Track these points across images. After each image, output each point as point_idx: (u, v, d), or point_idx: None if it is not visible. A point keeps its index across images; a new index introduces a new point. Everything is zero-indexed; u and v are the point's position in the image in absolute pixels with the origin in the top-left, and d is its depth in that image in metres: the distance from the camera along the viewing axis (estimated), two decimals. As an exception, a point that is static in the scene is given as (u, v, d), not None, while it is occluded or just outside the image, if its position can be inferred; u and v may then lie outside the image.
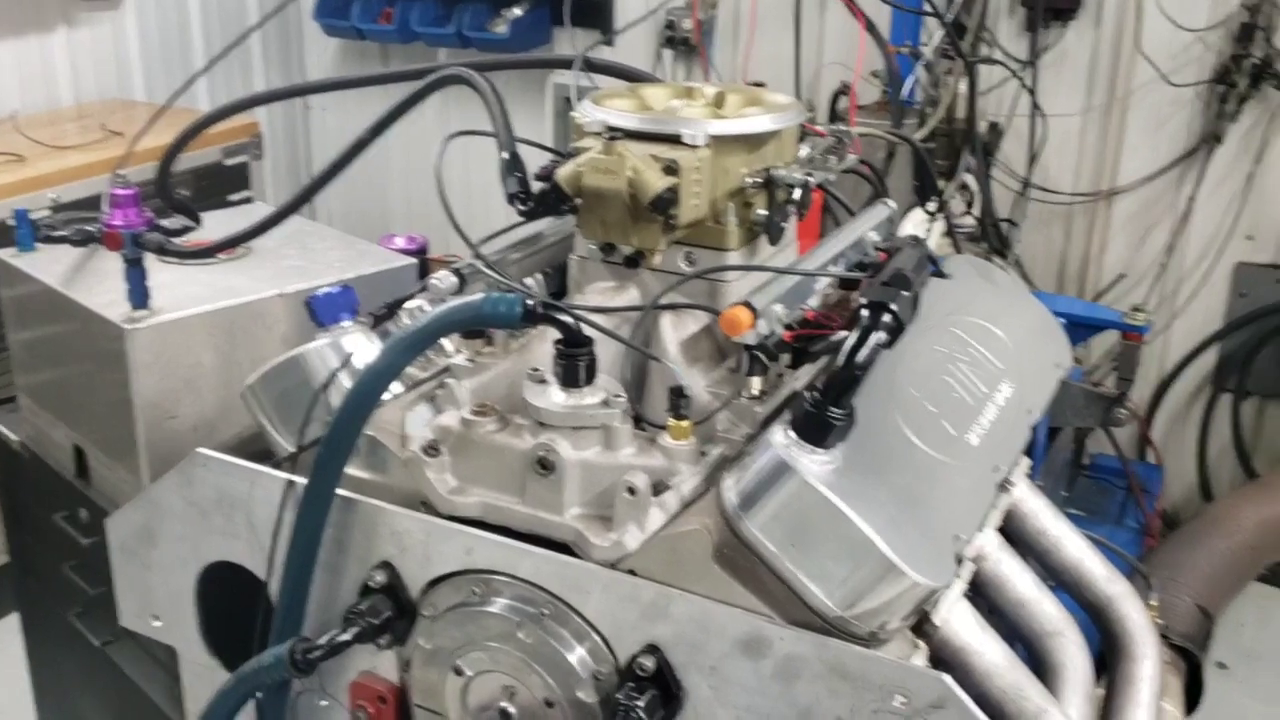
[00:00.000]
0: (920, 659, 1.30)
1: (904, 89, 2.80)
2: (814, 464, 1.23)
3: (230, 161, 4.13)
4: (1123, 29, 3.70)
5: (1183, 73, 3.65)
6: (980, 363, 1.62)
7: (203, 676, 1.70)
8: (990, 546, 1.51)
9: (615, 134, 1.48)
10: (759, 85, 1.78)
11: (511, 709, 1.40)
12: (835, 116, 3.22)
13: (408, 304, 1.62)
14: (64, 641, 2.42)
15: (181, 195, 2.44)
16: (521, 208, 1.52)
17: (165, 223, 2.08)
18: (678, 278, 1.54)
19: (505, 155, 1.54)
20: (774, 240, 1.61)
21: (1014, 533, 1.65)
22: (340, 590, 1.49)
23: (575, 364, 1.35)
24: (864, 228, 1.77)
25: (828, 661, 1.21)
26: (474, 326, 1.50)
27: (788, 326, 1.44)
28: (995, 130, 3.63)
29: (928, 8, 3.01)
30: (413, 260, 2.29)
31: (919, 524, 1.30)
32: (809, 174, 1.57)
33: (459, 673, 1.42)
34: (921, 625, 1.33)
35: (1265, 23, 3.52)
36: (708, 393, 1.47)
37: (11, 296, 2.26)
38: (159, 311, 1.95)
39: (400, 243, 2.58)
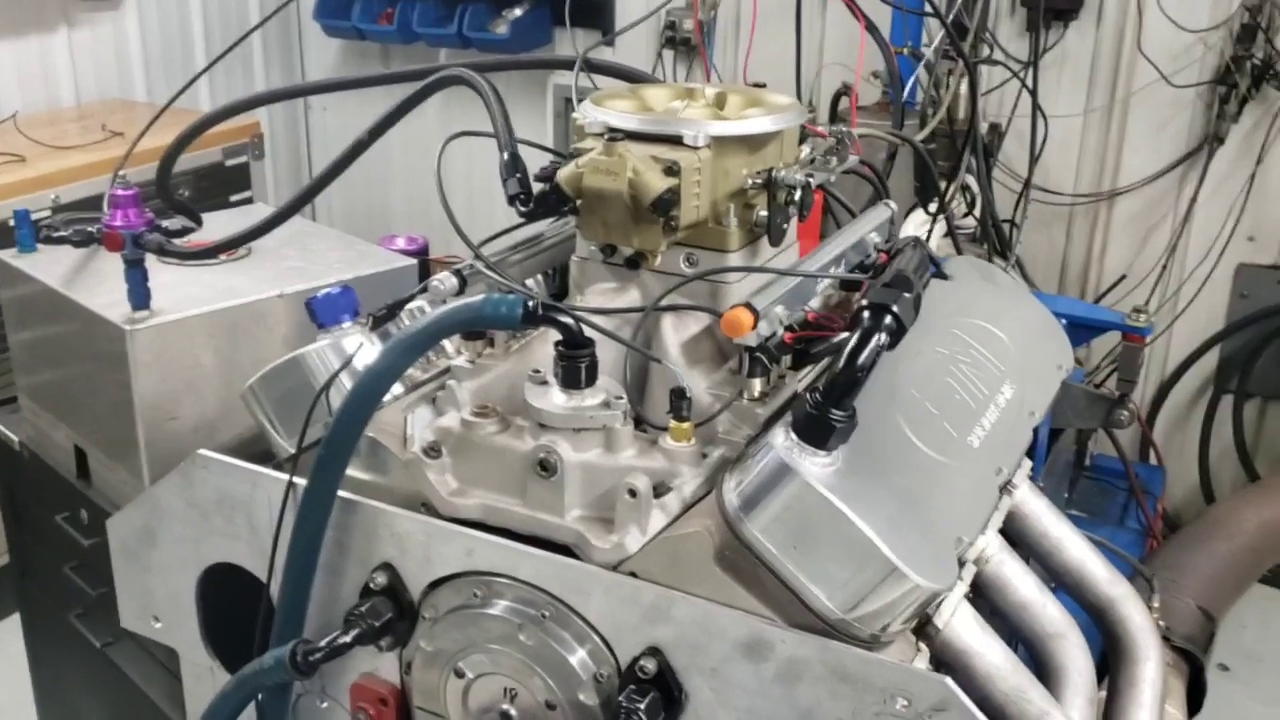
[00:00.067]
0: (922, 662, 1.30)
1: (905, 90, 2.80)
2: (815, 466, 1.23)
3: (231, 162, 4.13)
4: (1124, 30, 3.70)
5: (1184, 73, 3.65)
6: (982, 364, 1.62)
7: (203, 678, 1.70)
8: (992, 548, 1.51)
9: (616, 135, 1.48)
10: (760, 86, 1.78)
11: (512, 711, 1.40)
12: (836, 117, 3.22)
13: (408, 305, 1.62)
14: (65, 642, 2.41)
15: (182, 196, 2.44)
16: (522, 209, 1.52)
17: (166, 223, 2.08)
18: (679, 279, 1.54)
19: (506, 156, 1.53)
20: (775, 241, 1.60)
21: (1016, 534, 1.65)
22: (341, 592, 1.49)
23: (576, 365, 1.35)
24: (865, 229, 1.77)
25: (829, 664, 1.21)
26: (475, 328, 1.49)
27: (789, 328, 1.44)
28: (996, 131, 3.63)
29: (928, 8, 3.00)
30: (413, 261, 2.28)
31: (921, 526, 1.30)
32: (810, 175, 1.57)
33: (460, 675, 1.42)
34: (923, 628, 1.32)
35: (1266, 23, 3.51)
36: (709, 394, 1.46)
37: (12, 297, 2.26)
38: (160, 312, 1.94)
39: (401, 243, 2.58)
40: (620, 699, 1.28)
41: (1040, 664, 1.52)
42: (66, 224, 2.14)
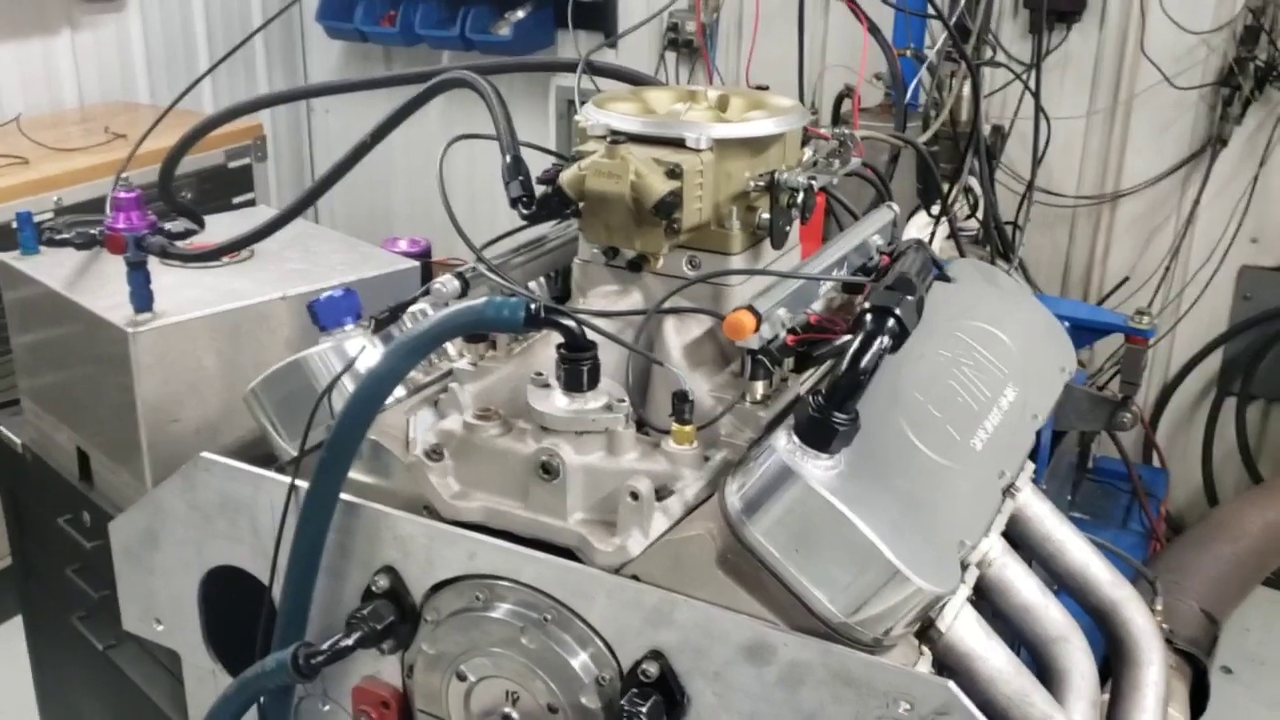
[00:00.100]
0: (925, 665, 1.30)
1: (907, 92, 2.80)
2: (818, 469, 1.23)
3: (234, 164, 4.13)
4: (1127, 31, 3.69)
5: (1187, 75, 3.64)
6: (984, 367, 1.62)
7: (205, 681, 1.70)
8: (995, 551, 1.51)
9: (618, 138, 1.48)
10: (762, 88, 1.78)
11: (514, 714, 1.40)
12: (839, 119, 3.22)
13: (411, 308, 1.62)
14: (67, 645, 2.41)
15: (184, 198, 2.44)
16: (524, 211, 1.52)
17: (168, 226, 2.08)
18: (681, 282, 1.54)
19: (508, 159, 1.54)
20: (777, 244, 1.60)
21: (1018, 537, 1.64)
22: (343, 595, 1.49)
23: (578, 368, 1.34)
24: (868, 231, 1.77)
25: (832, 668, 1.21)
26: (477, 331, 1.49)
27: (791, 330, 1.44)
28: (999, 133, 3.62)
29: (931, 10, 3.00)
30: (415, 263, 2.29)
31: (923, 529, 1.30)
32: (812, 177, 1.57)
33: (462, 678, 1.42)
34: (926, 631, 1.32)
35: (1270, 25, 3.51)
36: (711, 397, 1.46)
37: (15, 299, 2.26)
38: (162, 314, 1.95)
39: (403, 245, 2.58)
40: (622, 702, 1.27)
41: (1043, 667, 1.51)
42: (69, 226, 2.14)
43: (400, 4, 4.57)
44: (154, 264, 1.98)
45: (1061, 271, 3.99)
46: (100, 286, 2.06)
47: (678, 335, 1.54)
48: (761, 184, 1.55)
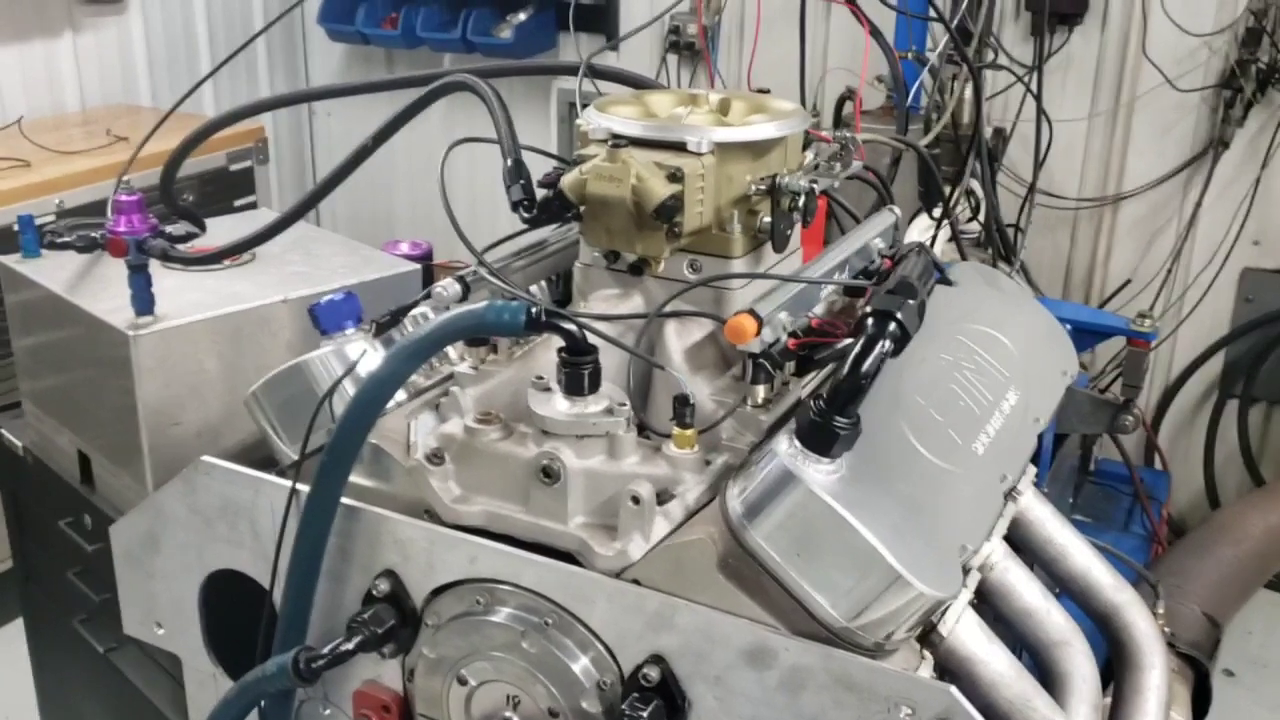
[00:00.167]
0: (926, 670, 1.29)
1: (909, 95, 2.80)
2: (819, 473, 1.23)
3: (235, 167, 4.14)
4: (1128, 34, 3.69)
5: (1189, 78, 3.64)
6: (986, 370, 1.62)
7: (206, 684, 1.70)
8: (996, 555, 1.50)
9: (620, 141, 1.48)
10: (764, 91, 1.78)
11: (515, 718, 1.40)
12: (840, 122, 3.22)
13: (412, 312, 1.62)
14: (68, 647, 2.42)
15: (186, 201, 2.44)
16: (525, 215, 1.52)
17: (169, 229, 2.08)
18: (682, 285, 1.54)
19: (509, 162, 1.53)
20: (779, 248, 1.60)
21: (1020, 540, 1.64)
22: (344, 599, 1.49)
23: (579, 372, 1.34)
24: (869, 234, 1.77)
25: (833, 672, 1.20)
26: (478, 334, 1.49)
27: (792, 334, 1.43)
28: (1001, 136, 3.62)
29: (933, 13, 3.00)
30: (417, 266, 2.29)
31: (925, 534, 1.30)
32: (814, 181, 1.57)
33: (463, 682, 1.42)
34: (928, 635, 1.32)
35: (1271, 27, 3.51)
36: (712, 401, 1.46)
37: (16, 302, 2.26)
38: (163, 318, 1.95)
39: (405, 248, 2.58)
40: (623, 707, 1.27)
41: (1045, 671, 1.51)
42: (71, 229, 2.14)
43: (402, 7, 4.58)
44: (155, 267, 1.98)
45: (1063, 274, 3.99)
46: (101, 289, 2.06)
47: (679, 339, 1.54)
48: (763, 187, 1.55)
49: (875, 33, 2.47)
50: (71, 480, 2.26)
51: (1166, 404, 3.95)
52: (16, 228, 2.23)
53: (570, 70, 1.95)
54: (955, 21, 3.11)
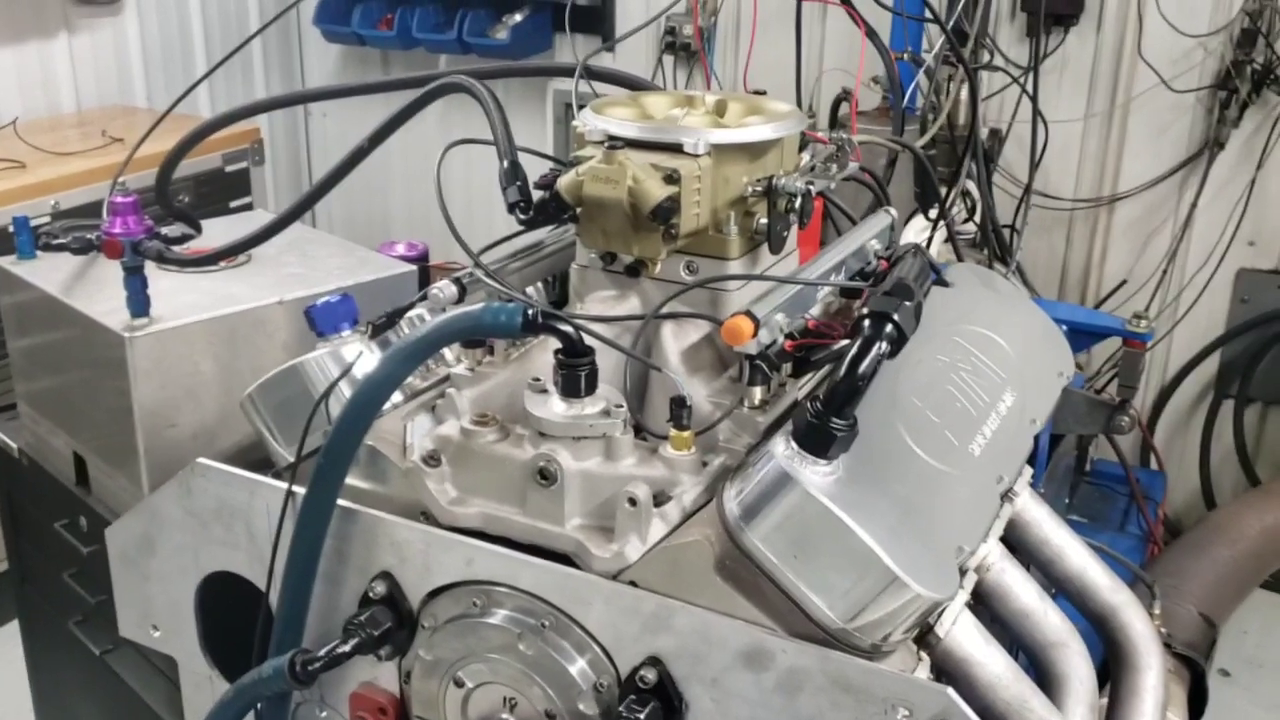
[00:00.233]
0: (923, 671, 1.29)
1: (905, 96, 2.80)
2: (816, 475, 1.23)
3: (231, 168, 4.13)
4: (1124, 35, 3.69)
5: (1184, 78, 3.64)
6: (983, 372, 1.62)
7: (202, 687, 1.70)
8: (993, 556, 1.50)
9: (616, 143, 1.48)
10: (760, 93, 1.78)
11: (512, 721, 1.40)
12: (836, 123, 3.22)
13: (408, 313, 1.62)
14: (64, 649, 2.41)
15: (182, 202, 2.44)
16: (522, 216, 1.52)
17: (165, 230, 2.08)
18: (679, 287, 1.54)
19: (505, 163, 1.53)
20: (775, 249, 1.60)
21: (1016, 542, 1.64)
22: (340, 601, 1.48)
23: (576, 374, 1.34)
24: (865, 236, 1.77)
25: (830, 674, 1.20)
26: (474, 336, 1.49)
27: (789, 336, 1.43)
28: (997, 137, 3.62)
29: (929, 14, 3.00)
30: (413, 268, 2.28)
31: (922, 535, 1.30)
32: (810, 182, 1.57)
33: (459, 684, 1.42)
34: (924, 637, 1.32)
35: (1267, 28, 3.51)
36: (709, 402, 1.46)
37: (11, 304, 2.25)
38: (159, 319, 1.94)
39: (401, 250, 2.58)
40: (620, 709, 1.27)
41: (1041, 672, 1.51)
42: (66, 231, 2.14)
43: (397, 8, 4.57)
44: (151, 269, 1.98)
45: (1059, 275, 3.99)
46: (97, 291, 2.05)
47: (675, 340, 1.53)
48: (759, 189, 1.55)
49: (871, 34, 2.48)
50: (67, 482, 2.25)
51: (1162, 404, 3.95)
52: (11, 229, 2.22)
53: (566, 72, 1.94)
54: (951, 22, 3.10)
